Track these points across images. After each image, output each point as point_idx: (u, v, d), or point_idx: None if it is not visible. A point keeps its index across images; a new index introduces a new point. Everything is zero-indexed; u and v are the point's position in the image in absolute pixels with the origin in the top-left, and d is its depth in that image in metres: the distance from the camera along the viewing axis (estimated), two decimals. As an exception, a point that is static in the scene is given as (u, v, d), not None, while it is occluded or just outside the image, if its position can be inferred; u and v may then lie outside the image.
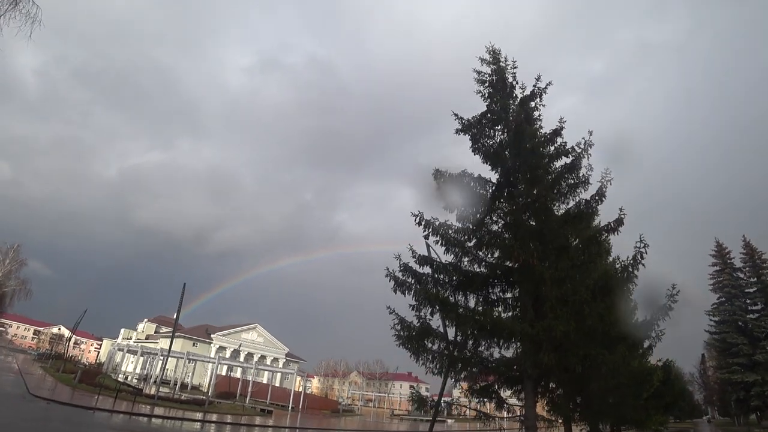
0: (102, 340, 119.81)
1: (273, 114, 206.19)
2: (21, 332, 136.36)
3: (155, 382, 47.77)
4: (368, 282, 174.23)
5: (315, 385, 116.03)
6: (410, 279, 14.24)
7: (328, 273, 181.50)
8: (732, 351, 46.38)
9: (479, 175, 15.33)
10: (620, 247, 14.06)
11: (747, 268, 51.09)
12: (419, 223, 14.40)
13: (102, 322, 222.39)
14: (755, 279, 49.75)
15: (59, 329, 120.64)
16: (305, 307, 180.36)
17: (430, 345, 14.19)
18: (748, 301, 49.16)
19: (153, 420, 21.54)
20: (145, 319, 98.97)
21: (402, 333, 13.65)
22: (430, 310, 13.69)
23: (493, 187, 14.94)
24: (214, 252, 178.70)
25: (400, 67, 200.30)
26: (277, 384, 63.64)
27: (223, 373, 57.39)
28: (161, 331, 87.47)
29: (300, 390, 59.97)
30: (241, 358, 67.29)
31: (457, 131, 16.14)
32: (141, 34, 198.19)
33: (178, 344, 60.14)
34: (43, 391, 24.97)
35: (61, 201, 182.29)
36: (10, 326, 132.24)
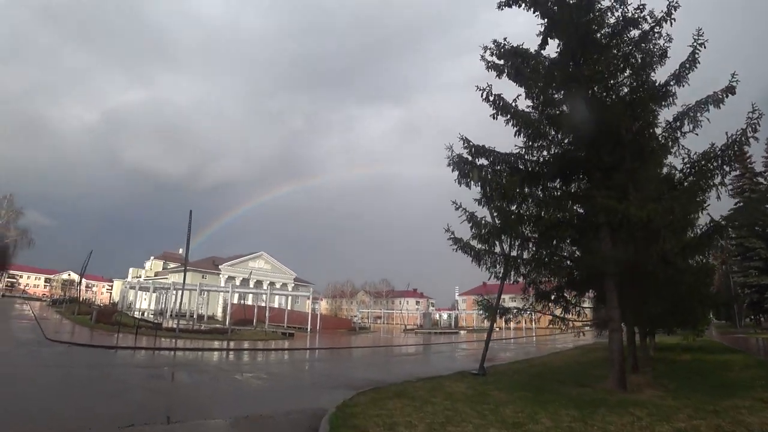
0: (112, 281, 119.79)
1: (254, 41, 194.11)
2: (32, 282, 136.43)
3: (172, 315, 47.10)
4: (364, 204, 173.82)
5: (324, 306, 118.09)
6: (480, 162, 12.15)
7: (326, 197, 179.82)
8: (748, 255, 46.22)
9: (537, 50, 12.76)
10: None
11: (768, 173, 49.90)
12: (487, 99, 12.01)
13: (110, 264, 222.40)
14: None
15: (69, 274, 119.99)
16: (306, 233, 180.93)
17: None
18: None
19: (180, 353, 20.16)
20: (152, 257, 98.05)
21: (476, 231, 11.68)
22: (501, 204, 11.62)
23: (555, 64, 12.38)
24: (209, 186, 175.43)
25: None
26: (289, 308, 63.70)
27: (235, 302, 56.84)
28: (169, 266, 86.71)
29: (313, 312, 60.22)
30: (251, 286, 66.83)
31: (501, 5, 13.35)
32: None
33: (188, 277, 59.05)
34: (62, 335, 23.53)
35: (46, 149, 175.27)
36: (21, 277, 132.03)
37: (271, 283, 73.49)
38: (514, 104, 12.29)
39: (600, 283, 12.32)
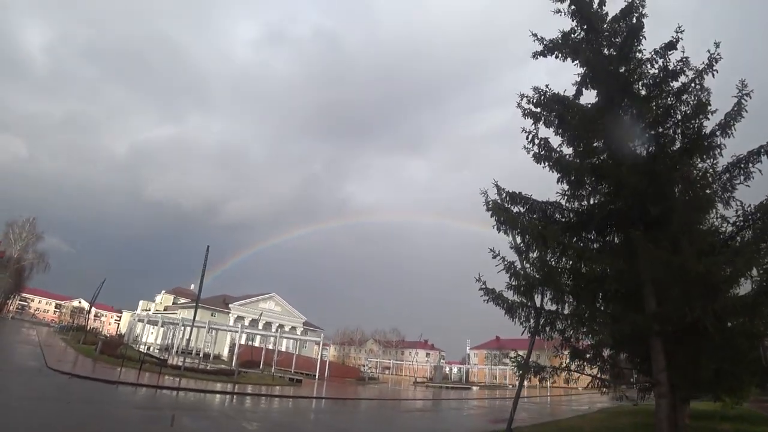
0: (121, 313, 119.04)
1: (280, 87, 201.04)
2: (43, 306, 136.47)
3: (178, 352, 45.97)
4: (378, 251, 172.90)
5: (332, 353, 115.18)
6: (518, 209, 11.62)
7: (339, 242, 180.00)
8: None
9: (573, 98, 12.45)
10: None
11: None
12: (532, 141, 11.63)
13: (121, 295, 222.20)
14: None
15: (79, 302, 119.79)
16: (318, 277, 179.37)
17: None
18: None
19: (183, 394, 19.16)
20: (163, 291, 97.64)
21: (515, 281, 10.98)
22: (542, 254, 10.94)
23: (595, 113, 11.97)
24: (225, 224, 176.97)
25: (406, 38, 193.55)
26: (296, 352, 62.03)
27: (243, 342, 55.49)
28: (179, 302, 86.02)
29: (322, 359, 58.36)
30: (260, 327, 65.48)
31: (536, 54, 13.26)
32: (147, 8, 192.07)
33: (198, 314, 58.16)
34: (64, 364, 22.69)
35: (75, 177, 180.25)
36: (32, 300, 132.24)
37: (280, 326, 72.15)
38: (559, 149, 11.91)
39: (643, 344, 11.34)
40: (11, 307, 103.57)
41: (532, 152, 12.41)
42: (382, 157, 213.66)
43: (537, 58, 13.36)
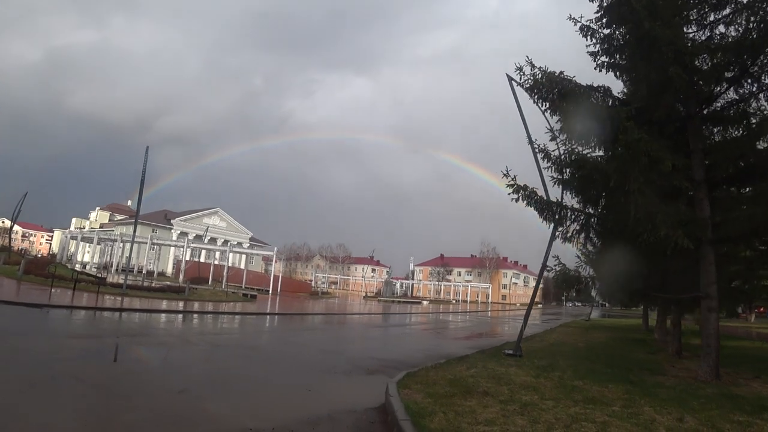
0: (53, 232, 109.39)
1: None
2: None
3: (117, 270, 41.94)
4: (322, 169, 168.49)
5: (277, 268, 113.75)
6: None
7: (283, 160, 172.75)
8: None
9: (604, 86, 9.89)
10: None
11: None
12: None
13: (51, 214, 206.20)
14: None
15: (2, 221, 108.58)
16: (261, 194, 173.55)
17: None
18: None
19: (128, 315, 16.15)
20: (98, 208, 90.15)
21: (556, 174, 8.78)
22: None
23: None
24: (160, 140, 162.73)
25: None
26: (242, 268, 59.42)
27: (188, 259, 51.89)
28: (116, 219, 79.55)
29: (266, 273, 56.42)
30: (205, 243, 61.67)
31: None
32: None
33: (138, 230, 53.23)
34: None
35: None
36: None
37: (226, 241, 68.48)
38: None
39: (685, 255, 9.52)
40: None
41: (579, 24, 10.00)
42: (327, 74, 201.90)
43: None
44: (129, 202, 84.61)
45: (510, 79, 11.53)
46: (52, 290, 19.68)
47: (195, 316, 18.60)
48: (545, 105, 10.28)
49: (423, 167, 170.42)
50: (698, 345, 16.45)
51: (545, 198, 10.34)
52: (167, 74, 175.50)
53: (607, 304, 78.14)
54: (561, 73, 9.75)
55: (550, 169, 11.08)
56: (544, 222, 10.36)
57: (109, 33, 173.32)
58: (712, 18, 10.13)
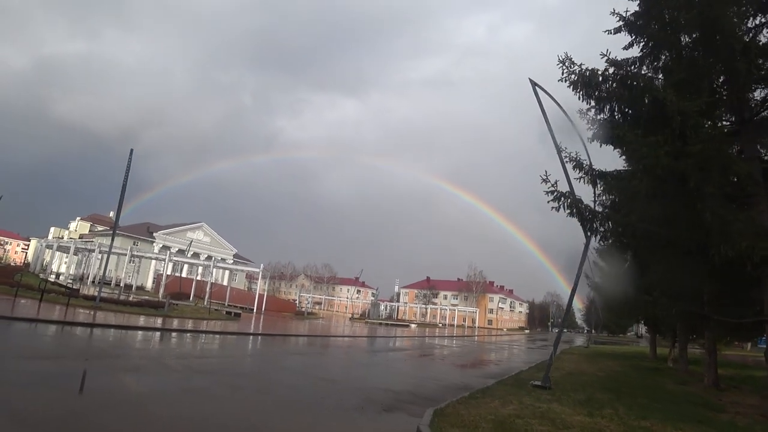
0: (30, 241, 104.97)
1: (210, 8, 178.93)
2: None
3: (94, 282, 39.46)
4: (310, 187, 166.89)
5: (261, 287, 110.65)
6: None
7: (269, 177, 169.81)
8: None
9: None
10: None
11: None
12: None
13: (31, 223, 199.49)
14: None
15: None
16: (247, 212, 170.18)
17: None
18: None
19: (100, 331, 14.24)
20: (78, 218, 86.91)
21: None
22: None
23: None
24: (145, 153, 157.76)
25: None
26: (225, 285, 57.05)
27: (169, 273, 49.46)
28: (96, 230, 76.55)
29: (249, 291, 54.11)
30: (188, 257, 59.22)
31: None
32: None
33: (118, 242, 50.78)
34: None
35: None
36: None
37: (209, 257, 66.09)
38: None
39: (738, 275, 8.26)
40: None
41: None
42: (316, 94, 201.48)
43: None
44: (111, 213, 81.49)
45: (534, 84, 11.13)
46: (16, 300, 17.65)
47: (174, 334, 16.69)
48: (590, 102, 9.09)
49: (410, 188, 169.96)
50: (729, 375, 15.44)
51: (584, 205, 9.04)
52: (155, 87, 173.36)
53: (593, 331, 76.92)
54: (614, 65, 8.56)
55: (582, 180, 9.92)
56: (588, 233, 9.05)
57: (99, 44, 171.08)
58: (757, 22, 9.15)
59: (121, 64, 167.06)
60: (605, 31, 10.52)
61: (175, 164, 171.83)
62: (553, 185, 8.80)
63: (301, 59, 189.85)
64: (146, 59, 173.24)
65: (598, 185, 10.16)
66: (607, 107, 8.87)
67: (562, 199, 8.77)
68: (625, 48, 10.72)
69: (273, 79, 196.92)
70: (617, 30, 10.46)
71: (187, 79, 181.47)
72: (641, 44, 10.05)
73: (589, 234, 9.37)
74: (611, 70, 8.48)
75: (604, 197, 11.04)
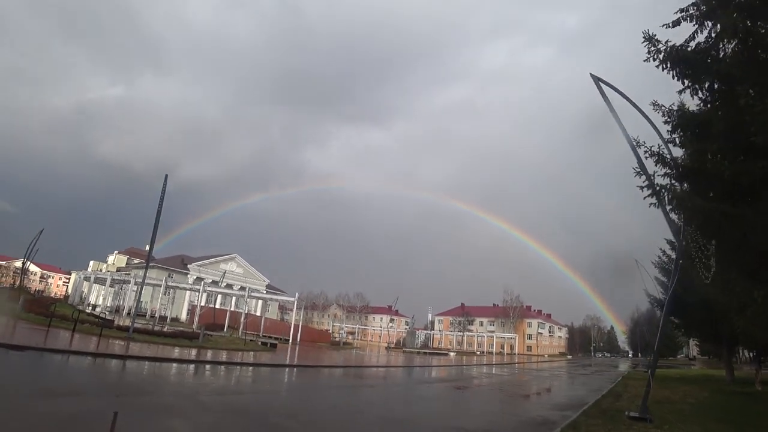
0: (71, 274, 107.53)
1: (239, 51, 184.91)
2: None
3: (129, 313, 39.02)
4: (339, 218, 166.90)
5: (295, 316, 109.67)
6: None
7: (299, 208, 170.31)
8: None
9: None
10: None
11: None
12: None
13: (72, 257, 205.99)
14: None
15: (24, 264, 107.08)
16: (278, 243, 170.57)
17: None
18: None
19: (134, 364, 13.11)
20: (116, 252, 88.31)
21: None
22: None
23: None
24: (180, 188, 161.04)
25: (368, 7, 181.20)
26: (259, 315, 56.01)
27: (203, 304, 48.82)
28: (133, 262, 77.40)
29: (283, 321, 53.00)
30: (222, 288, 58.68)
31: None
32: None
33: (154, 274, 50.79)
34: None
35: (16, 135, 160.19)
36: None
37: (242, 288, 65.56)
38: None
39: None
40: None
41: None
42: (342, 127, 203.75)
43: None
44: (147, 247, 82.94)
45: (597, 79, 10.23)
46: (49, 331, 16.84)
47: (209, 367, 15.46)
48: (686, 82, 7.63)
49: (435, 215, 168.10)
50: None
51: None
52: (190, 126, 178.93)
53: (640, 355, 72.24)
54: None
55: (667, 177, 8.35)
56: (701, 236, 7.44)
57: (137, 88, 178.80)
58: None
59: (159, 105, 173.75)
60: (662, 26, 8.98)
61: (209, 198, 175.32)
62: (649, 177, 7.31)
63: (327, 92, 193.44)
64: (181, 100, 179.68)
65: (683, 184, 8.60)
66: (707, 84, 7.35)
67: (663, 192, 7.24)
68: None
69: (300, 113, 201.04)
70: (676, 23, 8.89)
71: (219, 117, 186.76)
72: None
73: (681, 239, 7.76)
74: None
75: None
